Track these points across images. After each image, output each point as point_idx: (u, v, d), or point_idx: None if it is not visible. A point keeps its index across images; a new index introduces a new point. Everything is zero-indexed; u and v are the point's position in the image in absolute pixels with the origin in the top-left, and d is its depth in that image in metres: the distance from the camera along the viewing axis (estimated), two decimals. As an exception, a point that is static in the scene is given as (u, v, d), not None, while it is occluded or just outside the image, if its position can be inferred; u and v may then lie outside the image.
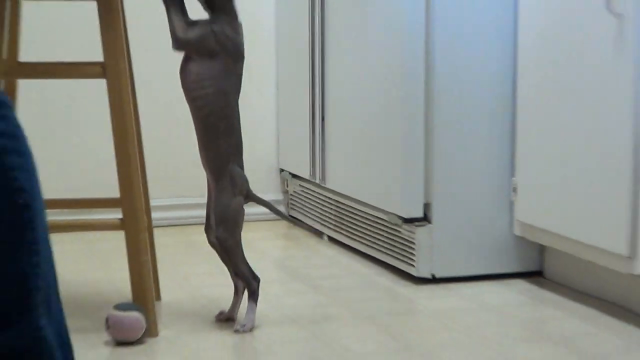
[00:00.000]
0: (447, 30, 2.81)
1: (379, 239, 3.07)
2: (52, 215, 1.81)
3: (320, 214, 3.47)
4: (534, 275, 2.92)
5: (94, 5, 2.33)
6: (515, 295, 2.76)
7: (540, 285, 2.85)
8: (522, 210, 2.83)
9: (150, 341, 2.35)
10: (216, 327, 2.46)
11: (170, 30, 2.38)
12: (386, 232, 3.02)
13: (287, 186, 3.75)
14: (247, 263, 2.46)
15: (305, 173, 3.53)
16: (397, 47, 2.86)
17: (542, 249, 2.92)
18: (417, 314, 2.63)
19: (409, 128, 2.84)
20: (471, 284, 2.85)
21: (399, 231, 2.93)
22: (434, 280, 2.86)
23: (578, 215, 2.60)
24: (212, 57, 2.39)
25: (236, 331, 2.41)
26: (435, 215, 2.85)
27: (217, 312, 2.53)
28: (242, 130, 2.47)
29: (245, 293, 2.47)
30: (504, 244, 2.90)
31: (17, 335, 1.77)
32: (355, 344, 2.36)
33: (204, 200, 2.50)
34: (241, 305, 2.49)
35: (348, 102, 3.20)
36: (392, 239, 2.98)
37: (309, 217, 3.56)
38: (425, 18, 2.80)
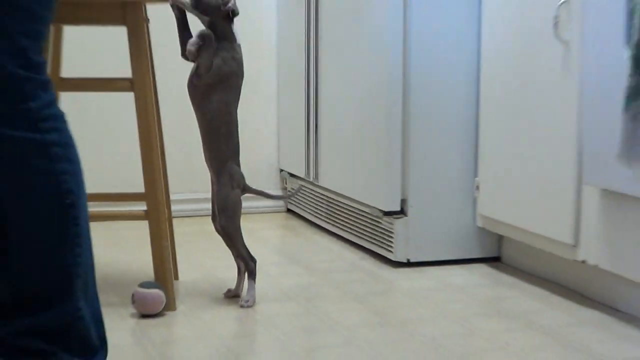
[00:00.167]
0: (422, 55, 2.80)
1: (363, 229, 3.06)
2: (88, 208, 1.83)
3: (314, 207, 3.47)
4: (493, 260, 2.92)
5: (124, 29, 2.33)
6: (477, 277, 2.76)
7: (498, 269, 2.84)
8: (483, 205, 2.83)
9: (169, 314, 2.34)
10: (224, 302, 2.46)
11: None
12: (369, 223, 3.01)
13: (286, 184, 3.74)
14: (246, 247, 2.46)
15: (301, 172, 3.52)
16: (380, 66, 2.85)
17: (500, 238, 2.91)
18: (395, 293, 2.62)
19: (389, 135, 2.83)
20: (440, 267, 2.84)
21: (379, 222, 2.93)
22: (409, 264, 2.86)
23: (530, 210, 2.60)
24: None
25: (241, 306, 2.41)
26: (410, 209, 2.85)
27: (225, 290, 2.53)
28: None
29: (246, 273, 2.47)
30: (468, 234, 2.90)
31: (60, 314, 1.78)
32: (342, 317, 2.35)
33: (214, 195, 2.50)
34: (244, 283, 2.48)
35: (337, 112, 3.19)
36: (374, 229, 2.98)
37: (304, 210, 3.56)
38: (403, 42, 2.79)
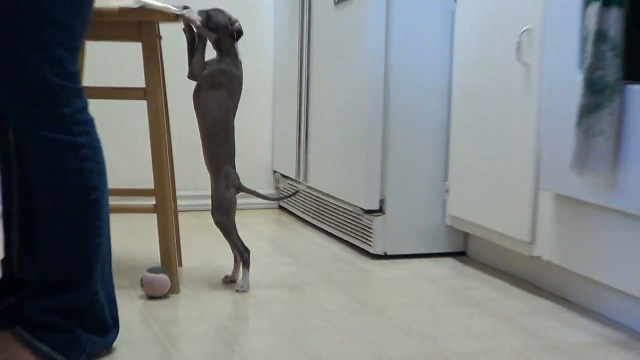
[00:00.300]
0: (401, 72, 2.79)
1: (345, 225, 3.06)
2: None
3: (303, 205, 3.47)
4: (460, 255, 2.92)
5: (140, 45, 2.33)
6: (445, 269, 2.75)
7: (464, 262, 2.84)
8: (451, 206, 2.82)
9: (173, 296, 2.34)
10: (222, 287, 2.45)
11: (189, 66, 2.37)
12: (351, 219, 3.01)
13: (279, 184, 3.74)
14: (241, 239, 2.45)
15: (292, 174, 3.52)
16: (364, 82, 2.85)
17: (466, 235, 2.91)
18: (373, 281, 2.61)
19: (371, 143, 2.83)
20: (413, 260, 2.84)
21: (360, 219, 2.93)
22: (386, 256, 2.86)
23: (493, 211, 2.60)
24: (218, 87, 2.38)
25: (237, 291, 2.41)
26: (388, 208, 2.84)
27: (223, 276, 2.53)
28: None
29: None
30: (438, 231, 2.89)
31: (79, 296, 1.79)
32: (325, 302, 2.34)
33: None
34: (239, 271, 2.47)
35: (326, 122, 3.19)
36: (356, 225, 2.98)
37: (295, 207, 3.56)
38: (384, 61, 2.79)
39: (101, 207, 1.77)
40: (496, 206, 2.58)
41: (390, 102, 2.81)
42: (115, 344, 1.89)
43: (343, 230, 3.08)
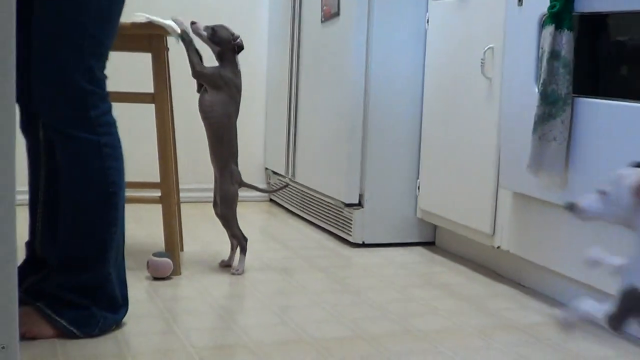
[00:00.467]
0: (379, 83, 2.79)
1: (328, 216, 3.05)
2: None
3: (291, 198, 3.45)
4: (429, 244, 2.91)
5: (149, 55, 2.33)
6: (416, 256, 2.75)
7: (433, 251, 2.84)
8: (422, 201, 2.82)
9: (175, 278, 2.34)
10: (219, 271, 2.45)
11: (190, 65, 2.36)
12: (334, 211, 3.00)
13: (270, 179, 3.75)
14: (240, 229, 2.45)
15: (281, 170, 3.50)
16: (346, 91, 2.84)
17: (435, 227, 2.91)
18: (352, 267, 2.61)
19: (352, 144, 2.83)
20: (387, 248, 2.84)
21: (342, 211, 2.93)
22: (364, 245, 2.85)
23: (458, 205, 2.60)
24: (219, 91, 2.36)
25: (233, 274, 2.41)
26: (366, 202, 2.84)
27: (220, 260, 2.52)
28: (241, 141, 2.46)
29: (238, 248, 2.45)
30: (410, 223, 2.89)
31: (94, 276, 1.79)
32: (310, 284, 2.35)
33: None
34: (235, 256, 2.47)
35: (312, 125, 3.17)
36: (337, 216, 2.97)
37: (284, 200, 3.56)
38: (364, 72, 2.79)
39: (118, 199, 1.78)
40: (461, 202, 2.59)
41: (369, 108, 2.81)
42: (124, 318, 1.89)
43: (326, 221, 3.08)
